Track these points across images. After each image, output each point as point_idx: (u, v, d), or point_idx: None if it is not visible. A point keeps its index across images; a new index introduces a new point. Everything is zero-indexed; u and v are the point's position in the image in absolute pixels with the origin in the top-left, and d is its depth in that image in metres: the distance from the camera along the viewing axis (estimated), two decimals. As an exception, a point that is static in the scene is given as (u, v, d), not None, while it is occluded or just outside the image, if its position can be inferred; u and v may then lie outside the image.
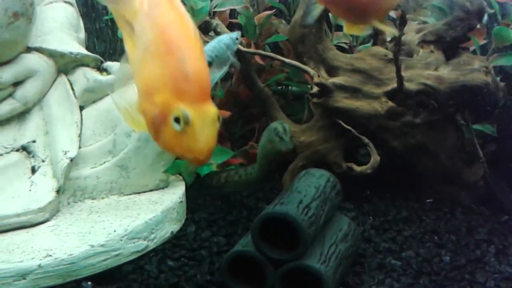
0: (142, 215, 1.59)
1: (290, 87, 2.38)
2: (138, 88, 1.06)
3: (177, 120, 0.98)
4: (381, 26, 1.28)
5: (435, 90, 1.90)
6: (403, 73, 1.93)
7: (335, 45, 2.31)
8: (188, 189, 1.92)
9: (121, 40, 1.31)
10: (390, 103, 1.92)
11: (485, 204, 1.98)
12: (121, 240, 1.48)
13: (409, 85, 1.90)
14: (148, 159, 1.73)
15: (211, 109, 1.01)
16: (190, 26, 1.03)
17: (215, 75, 1.79)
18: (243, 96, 2.35)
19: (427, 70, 1.94)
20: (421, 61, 1.97)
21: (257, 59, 2.24)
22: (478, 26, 2.19)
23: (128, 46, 1.11)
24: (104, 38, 2.62)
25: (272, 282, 1.32)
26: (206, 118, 1.00)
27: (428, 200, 2.03)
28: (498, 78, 2.25)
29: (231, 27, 2.34)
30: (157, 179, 1.79)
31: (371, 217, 1.91)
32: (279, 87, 2.41)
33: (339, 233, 1.46)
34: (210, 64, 1.74)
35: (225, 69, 1.80)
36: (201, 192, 1.97)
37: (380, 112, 1.93)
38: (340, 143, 2.05)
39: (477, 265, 1.58)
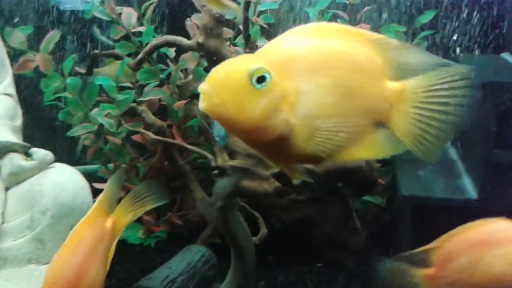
0: (50, 283, 1.88)
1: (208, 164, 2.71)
2: None
3: None
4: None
5: (314, 173, 2.23)
6: (289, 157, 2.27)
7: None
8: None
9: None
10: (277, 183, 2.26)
11: (366, 269, 2.29)
12: (29, 305, 1.77)
13: (292, 168, 2.23)
14: (61, 233, 2.04)
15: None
16: None
17: None
18: (167, 170, 2.68)
19: (309, 155, 2.28)
20: (305, 146, 2.31)
21: (179, 140, 2.57)
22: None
23: None
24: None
25: None
26: None
27: (318, 265, 2.33)
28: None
29: (161, 109, 2.67)
30: (71, 251, 2.09)
31: (262, 282, 2.20)
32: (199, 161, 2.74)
33: (208, 302, 1.76)
34: None
35: None
36: None
37: (269, 191, 2.25)
38: (242, 215, 2.36)
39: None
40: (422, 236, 1.96)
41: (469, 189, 1.93)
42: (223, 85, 1.03)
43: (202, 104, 1.04)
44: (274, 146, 1.08)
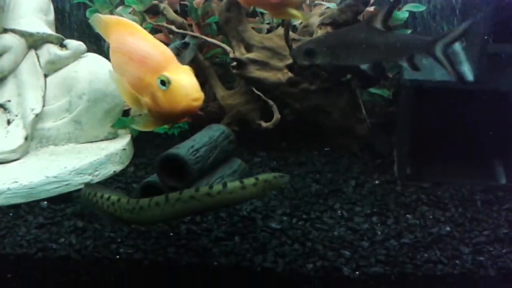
0: (89, 157, 2.16)
1: (226, 59, 2.89)
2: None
3: (162, 83, 1.47)
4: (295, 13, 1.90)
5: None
6: (302, 49, 2.44)
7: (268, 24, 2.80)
8: (136, 140, 2.48)
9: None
10: (290, 74, 2.44)
11: (369, 152, 2.52)
12: (70, 174, 2.05)
13: (304, 59, 2.41)
14: (97, 116, 2.29)
15: (182, 67, 1.53)
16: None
17: None
18: (189, 66, 2.86)
19: (320, 47, 2.44)
20: (317, 40, 2.47)
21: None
22: (372, 9, 2.68)
23: None
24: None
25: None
26: (180, 73, 1.50)
27: (326, 149, 2.57)
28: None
29: (182, 8, 2.82)
30: (106, 132, 2.35)
31: (274, 162, 2.45)
32: (217, 59, 2.92)
33: (228, 170, 2.01)
34: None
35: None
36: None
37: (282, 81, 2.45)
38: (257, 105, 2.58)
39: (335, 193, 2.12)
40: (422, 116, 2.17)
41: (467, 73, 2.11)
42: None
43: None
44: None
